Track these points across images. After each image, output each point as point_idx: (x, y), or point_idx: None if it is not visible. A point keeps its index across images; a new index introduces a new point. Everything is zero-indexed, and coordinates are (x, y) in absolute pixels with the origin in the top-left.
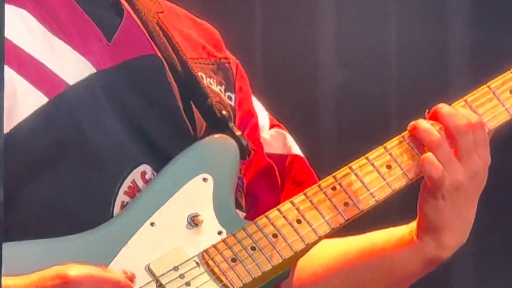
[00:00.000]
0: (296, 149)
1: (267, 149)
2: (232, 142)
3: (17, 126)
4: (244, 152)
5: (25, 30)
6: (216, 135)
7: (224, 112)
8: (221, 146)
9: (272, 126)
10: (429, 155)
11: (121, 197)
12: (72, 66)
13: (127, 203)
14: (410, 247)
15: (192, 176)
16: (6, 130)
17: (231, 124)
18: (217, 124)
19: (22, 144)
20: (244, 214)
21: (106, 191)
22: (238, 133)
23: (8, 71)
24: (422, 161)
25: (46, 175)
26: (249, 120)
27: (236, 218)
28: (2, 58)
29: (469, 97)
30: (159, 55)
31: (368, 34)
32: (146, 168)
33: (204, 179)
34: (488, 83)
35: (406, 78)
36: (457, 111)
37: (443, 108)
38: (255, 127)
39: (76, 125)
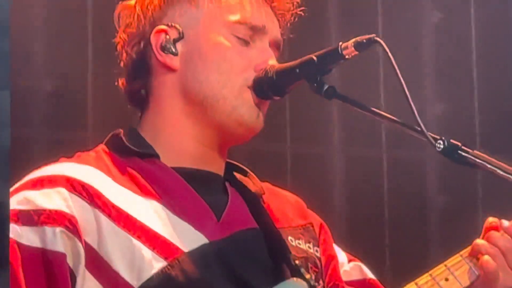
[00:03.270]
0: (370, 274)
1: (347, 278)
2: (303, 283)
3: (145, 282)
4: None
5: (153, 214)
6: (294, 278)
7: (297, 262)
8: (295, 286)
9: (350, 260)
10: (487, 256)
11: None
12: (188, 238)
13: None
14: None
15: None
16: (136, 285)
17: (302, 270)
18: (295, 270)
19: None
20: None
21: None
22: (308, 276)
23: (137, 243)
24: (481, 261)
25: None
26: (331, 262)
27: None
28: None
29: None
30: (258, 227)
31: None
32: None
33: None
34: None
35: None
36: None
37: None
38: (336, 267)
39: (189, 282)
